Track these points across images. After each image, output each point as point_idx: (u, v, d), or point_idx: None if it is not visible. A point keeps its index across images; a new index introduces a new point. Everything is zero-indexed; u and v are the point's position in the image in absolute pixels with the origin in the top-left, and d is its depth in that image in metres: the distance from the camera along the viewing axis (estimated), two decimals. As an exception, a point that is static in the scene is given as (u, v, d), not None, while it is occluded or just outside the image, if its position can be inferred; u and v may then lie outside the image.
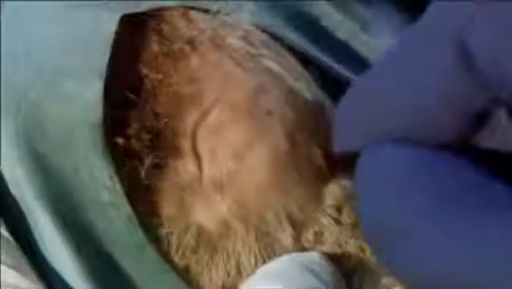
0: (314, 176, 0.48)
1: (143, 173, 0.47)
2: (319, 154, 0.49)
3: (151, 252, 0.46)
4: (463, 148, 0.38)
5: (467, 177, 0.37)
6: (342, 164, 0.48)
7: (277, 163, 0.47)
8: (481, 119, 0.37)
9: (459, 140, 0.38)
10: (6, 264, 0.46)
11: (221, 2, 0.50)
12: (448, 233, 0.36)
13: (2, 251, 0.46)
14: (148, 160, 0.47)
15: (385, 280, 0.47)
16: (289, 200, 0.47)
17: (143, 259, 0.47)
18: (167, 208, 0.47)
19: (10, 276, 0.45)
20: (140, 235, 0.46)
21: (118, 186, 0.46)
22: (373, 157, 0.39)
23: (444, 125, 0.38)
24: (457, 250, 0.36)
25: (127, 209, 0.46)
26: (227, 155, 0.47)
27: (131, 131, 0.47)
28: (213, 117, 0.48)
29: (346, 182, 0.48)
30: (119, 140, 0.47)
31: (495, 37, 0.35)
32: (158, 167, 0.47)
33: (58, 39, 0.48)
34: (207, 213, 0.47)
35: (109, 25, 0.47)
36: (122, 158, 0.47)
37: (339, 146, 0.44)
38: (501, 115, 0.37)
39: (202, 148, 0.48)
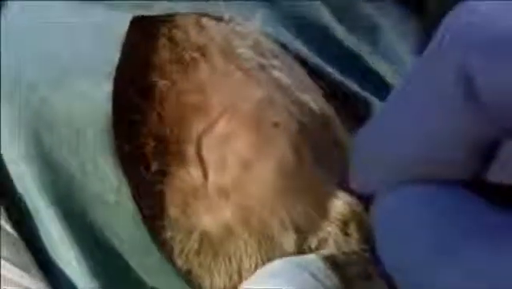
0: (320, 189, 0.48)
1: (148, 178, 0.47)
2: (325, 168, 0.49)
3: (156, 253, 0.47)
4: (477, 187, 0.38)
5: (489, 217, 0.38)
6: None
7: (283, 174, 0.47)
8: (490, 152, 0.38)
9: (470, 176, 0.38)
10: (9, 260, 0.46)
11: (233, 10, 0.51)
12: (474, 272, 0.37)
13: (5, 248, 0.46)
14: (153, 167, 0.47)
15: None
16: (294, 207, 0.47)
17: (148, 260, 0.47)
18: (171, 212, 0.47)
19: (12, 272, 0.46)
20: (145, 236, 0.46)
21: (125, 188, 0.46)
22: (393, 199, 0.40)
23: (452, 158, 0.38)
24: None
25: (132, 210, 0.46)
26: (234, 163, 0.47)
27: (137, 136, 0.47)
28: (220, 127, 0.48)
29: (351, 199, 0.48)
30: (125, 145, 0.47)
31: (491, 64, 0.35)
32: (163, 173, 0.48)
33: (68, 37, 0.48)
34: (211, 218, 0.47)
35: (120, 25, 0.47)
36: (127, 163, 0.47)
37: (356, 186, 0.44)
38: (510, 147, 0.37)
39: (208, 156, 0.48)
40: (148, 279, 0.47)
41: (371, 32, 0.57)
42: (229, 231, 0.47)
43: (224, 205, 0.47)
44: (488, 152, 0.36)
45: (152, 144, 0.47)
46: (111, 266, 0.47)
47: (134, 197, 0.46)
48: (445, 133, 0.36)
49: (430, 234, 0.37)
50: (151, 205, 0.47)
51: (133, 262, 0.47)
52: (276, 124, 0.48)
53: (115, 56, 0.46)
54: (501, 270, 0.35)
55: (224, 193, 0.47)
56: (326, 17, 0.56)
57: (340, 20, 0.56)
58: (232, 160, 0.47)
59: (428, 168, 0.38)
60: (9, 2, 0.51)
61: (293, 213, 0.47)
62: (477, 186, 0.37)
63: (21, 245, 0.47)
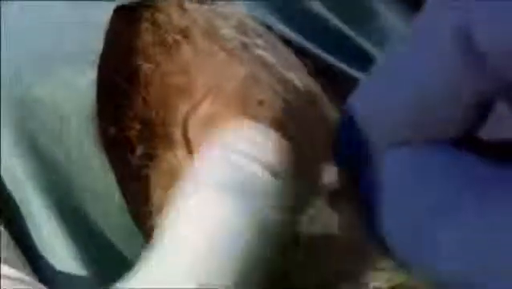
0: (307, 165, 0.48)
1: (134, 162, 0.47)
2: (309, 144, 0.49)
3: (142, 239, 0.47)
4: (467, 143, 0.38)
5: (480, 171, 0.38)
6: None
7: None
8: (483, 110, 0.37)
9: (463, 133, 0.38)
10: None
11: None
12: (468, 229, 0.37)
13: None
14: (139, 150, 0.47)
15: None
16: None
17: (134, 246, 0.47)
18: (158, 196, 0.47)
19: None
20: (130, 223, 0.47)
21: (110, 175, 0.46)
22: (385, 162, 0.40)
23: (449, 117, 0.38)
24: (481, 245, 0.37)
25: (118, 197, 0.46)
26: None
27: (122, 120, 0.47)
28: (205, 109, 0.48)
29: (338, 172, 0.48)
30: (111, 129, 0.47)
31: (493, 14, 0.35)
32: (149, 157, 0.48)
33: (52, 27, 0.49)
34: None
35: (104, 13, 0.47)
36: (113, 147, 0.47)
37: (342, 150, 0.44)
38: (503, 106, 0.37)
39: (194, 139, 0.48)
40: (136, 264, 0.46)
41: (363, 15, 0.57)
42: None
43: None
44: (483, 110, 0.36)
45: (138, 127, 0.48)
46: (99, 252, 0.47)
47: (120, 183, 0.47)
48: (444, 91, 0.36)
49: (426, 195, 0.38)
50: (137, 191, 0.48)
51: (121, 249, 0.47)
52: (261, 102, 0.48)
53: (98, 44, 0.46)
54: (492, 222, 0.35)
55: None
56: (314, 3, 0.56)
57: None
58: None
59: (423, 129, 0.38)
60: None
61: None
62: (467, 144, 0.38)
63: (7, 237, 0.46)
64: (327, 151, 0.48)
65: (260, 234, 0.42)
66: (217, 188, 0.42)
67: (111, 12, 0.47)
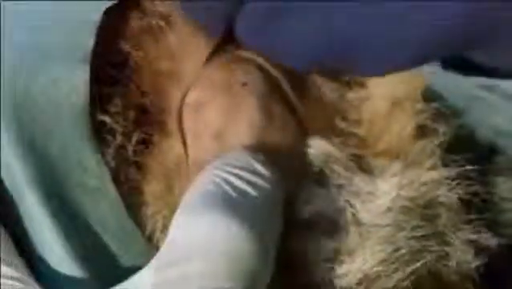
0: (293, 145, 0.49)
1: (130, 150, 0.48)
2: (294, 121, 0.49)
3: (137, 236, 0.48)
4: None
5: None
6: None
7: (254, 139, 0.48)
8: None
9: None
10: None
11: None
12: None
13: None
14: (135, 136, 0.48)
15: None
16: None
17: (129, 243, 0.48)
18: (155, 187, 0.49)
19: None
20: (126, 219, 0.48)
21: (104, 170, 0.47)
22: None
23: None
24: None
25: (113, 193, 0.47)
26: (208, 135, 0.49)
27: (116, 108, 0.48)
28: (194, 96, 0.49)
29: (318, 142, 0.49)
30: (106, 118, 0.48)
31: None
32: (145, 144, 0.49)
33: (45, 26, 0.49)
34: None
35: (94, 13, 0.48)
36: (109, 136, 0.48)
37: None
38: None
39: (186, 129, 0.49)
40: (131, 262, 0.48)
41: None
42: None
43: None
44: None
45: (133, 114, 0.49)
46: (94, 250, 0.47)
47: (117, 172, 0.48)
48: None
49: None
50: (134, 180, 0.49)
51: (115, 246, 0.48)
52: (244, 84, 0.48)
53: (90, 41, 0.47)
54: None
55: (202, 168, 0.48)
56: None
57: None
58: (207, 130, 0.49)
59: None
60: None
61: None
62: None
63: (6, 237, 0.47)
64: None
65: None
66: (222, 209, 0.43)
67: (102, 10, 0.48)
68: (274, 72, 0.50)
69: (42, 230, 0.47)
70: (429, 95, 0.50)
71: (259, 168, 0.45)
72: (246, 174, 0.44)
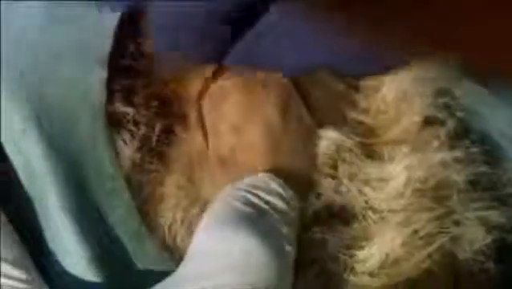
0: (305, 139, 0.50)
1: (154, 140, 0.48)
2: (309, 119, 0.50)
3: (148, 239, 0.48)
4: None
5: None
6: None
7: (270, 138, 0.49)
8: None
9: None
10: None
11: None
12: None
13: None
14: (158, 126, 0.48)
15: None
16: (284, 169, 0.49)
17: (142, 247, 0.48)
18: (176, 178, 0.48)
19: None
20: (139, 224, 0.47)
21: (119, 173, 0.47)
22: None
23: None
24: None
25: (127, 197, 0.47)
26: (226, 129, 0.49)
27: (139, 99, 0.48)
28: (215, 90, 0.49)
29: (330, 132, 0.50)
30: (129, 110, 0.47)
31: None
32: (167, 133, 0.49)
33: (63, 29, 0.48)
34: (212, 188, 0.49)
35: (111, 20, 0.48)
36: (133, 127, 0.48)
37: None
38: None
39: (207, 122, 0.49)
40: (143, 265, 0.48)
41: None
42: None
43: (222, 175, 0.49)
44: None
45: (155, 104, 0.48)
46: (108, 252, 0.47)
47: (141, 163, 0.48)
48: None
49: None
50: (156, 170, 0.48)
51: (130, 249, 0.47)
52: (265, 85, 0.48)
53: (106, 43, 0.47)
54: None
55: (222, 162, 0.49)
56: None
57: None
58: (226, 124, 0.49)
59: None
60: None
61: (283, 175, 0.49)
62: None
63: (13, 236, 0.46)
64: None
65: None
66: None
67: (116, 17, 0.48)
68: None
69: (59, 231, 0.46)
70: (439, 92, 0.52)
71: (278, 189, 0.47)
72: (266, 195, 0.46)
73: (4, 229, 0.45)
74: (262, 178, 0.48)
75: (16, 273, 0.44)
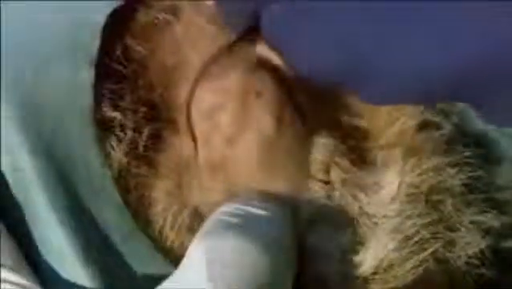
0: (299, 148, 0.49)
1: (141, 146, 0.47)
2: (303, 125, 0.50)
3: (141, 240, 0.47)
4: None
5: None
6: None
7: (264, 150, 0.48)
8: None
9: None
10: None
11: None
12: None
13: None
14: (146, 131, 0.47)
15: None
16: (277, 179, 0.48)
17: (134, 247, 0.47)
18: (165, 183, 0.48)
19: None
20: (130, 223, 0.47)
21: (108, 173, 0.46)
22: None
23: None
24: None
25: (116, 197, 0.47)
26: (219, 139, 0.48)
27: (126, 104, 0.47)
28: (207, 100, 0.48)
29: (324, 138, 0.50)
30: (116, 114, 0.47)
31: None
32: (156, 140, 0.48)
33: (49, 28, 0.48)
34: (202, 195, 0.48)
35: (99, 15, 0.47)
36: (120, 132, 0.47)
37: None
38: None
39: (196, 130, 0.49)
40: (136, 265, 0.47)
41: None
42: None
43: (213, 183, 0.48)
44: None
45: (143, 109, 0.48)
46: (99, 253, 0.46)
47: (129, 167, 0.47)
48: None
49: None
50: (144, 175, 0.48)
51: (120, 249, 0.47)
52: (259, 94, 0.48)
53: (93, 43, 0.46)
54: None
55: (213, 170, 0.48)
56: None
57: None
58: (218, 134, 0.48)
59: None
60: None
61: (276, 185, 0.48)
62: None
63: (10, 241, 0.46)
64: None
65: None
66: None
67: (107, 12, 0.47)
68: (288, 73, 0.50)
69: (48, 233, 0.46)
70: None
71: (268, 206, 0.47)
72: (258, 210, 0.46)
73: (2, 235, 0.45)
74: (252, 197, 0.48)
75: (15, 278, 0.44)
